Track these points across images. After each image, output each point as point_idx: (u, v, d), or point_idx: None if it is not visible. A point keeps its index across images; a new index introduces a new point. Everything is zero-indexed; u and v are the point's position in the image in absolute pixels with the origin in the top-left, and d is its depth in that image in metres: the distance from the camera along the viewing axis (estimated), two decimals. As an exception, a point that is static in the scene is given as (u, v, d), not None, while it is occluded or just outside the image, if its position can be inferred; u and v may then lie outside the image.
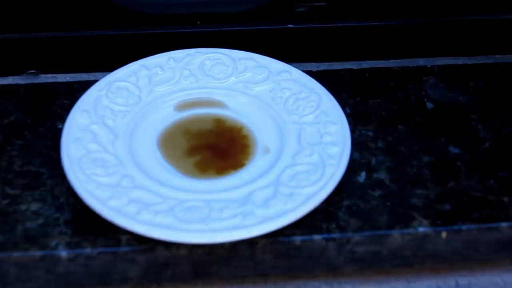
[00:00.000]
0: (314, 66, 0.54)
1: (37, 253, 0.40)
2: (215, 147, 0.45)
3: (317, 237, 0.41)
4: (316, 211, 0.41)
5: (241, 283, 0.44)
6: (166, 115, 0.48)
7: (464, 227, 0.42)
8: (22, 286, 0.41)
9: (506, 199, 0.44)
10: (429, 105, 0.50)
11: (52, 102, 0.50)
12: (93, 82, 0.48)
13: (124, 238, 0.40)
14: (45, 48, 0.53)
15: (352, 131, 0.46)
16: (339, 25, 0.54)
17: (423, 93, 0.51)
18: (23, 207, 0.42)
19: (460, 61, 0.55)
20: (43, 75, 0.53)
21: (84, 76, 0.53)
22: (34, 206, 0.42)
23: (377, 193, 0.44)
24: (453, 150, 0.47)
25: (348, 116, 0.46)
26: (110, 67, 0.49)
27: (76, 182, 0.41)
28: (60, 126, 0.47)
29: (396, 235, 0.41)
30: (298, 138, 0.45)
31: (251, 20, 0.54)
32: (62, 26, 0.53)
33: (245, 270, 0.42)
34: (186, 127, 0.47)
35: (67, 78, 0.52)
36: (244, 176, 0.43)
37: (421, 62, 0.55)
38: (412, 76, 0.53)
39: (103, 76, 0.48)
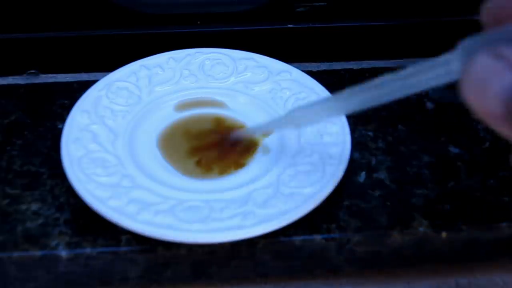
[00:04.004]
0: (314, 66, 0.54)
1: (37, 253, 0.40)
2: (215, 147, 0.45)
3: (317, 237, 0.41)
4: (316, 211, 0.41)
5: (241, 283, 0.44)
6: (166, 115, 0.48)
7: (464, 227, 0.42)
8: (22, 286, 0.41)
9: (506, 199, 0.44)
10: (429, 105, 0.50)
11: (52, 102, 0.50)
12: (93, 82, 0.48)
13: (124, 238, 0.40)
14: (45, 48, 0.53)
15: (352, 131, 0.46)
16: (339, 25, 0.54)
17: (423, 93, 0.51)
18: (23, 207, 0.42)
19: (460, 61, 0.55)
20: (43, 75, 0.53)
21: (84, 76, 0.53)
22: (34, 206, 0.42)
23: (377, 193, 0.44)
24: (453, 150, 0.47)
25: (348, 116, 0.46)
26: (110, 67, 0.49)
27: (76, 182, 0.41)
28: (60, 126, 0.47)
29: (396, 235, 0.41)
30: (298, 138, 0.45)
31: (251, 20, 0.54)
32: (62, 26, 0.53)
33: (245, 270, 0.42)
34: (186, 127, 0.47)
35: (67, 78, 0.52)
36: (244, 176, 0.43)
37: (421, 62, 0.55)
38: (412, 76, 0.53)
39: (103, 76, 0.49)
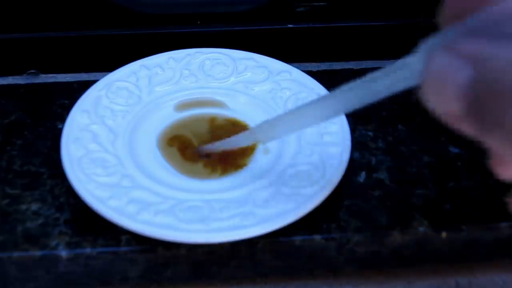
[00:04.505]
0: (314, 66, 0.54)
1: (37, 253, 0.40)
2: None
3: (317, 237, 0.41)
4: (316, 211, 0.41)
5: (241, 283, 0.44)
6: (166, 115, 0.48)
7: (464, 227, 0.42)
8: (22, 286, 0.41)
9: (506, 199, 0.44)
10: (429, 105, 0.50)
11: (52, 102, 0.50)
12: (93, 82, 0.48)
13: (124, 238, 0.40)
14: (45, 48, 0.53)
15: (352, 131, 0.46)
16: (339, 25, 0.54)
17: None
18: (23, 207, 0.42)
19: (460, 61, 0.55)
20: (43, 75, 0.53)
21: (84, 76, 0.53)
22: (34, 206, 0.42)
23: (377, 193, 0.44)
24: (453, 150, 0.47)
25: (348, 116, 0.46)
26: (110, 67, 0.49)
27: (76, 182, 0.41)
28: (60, 126, 0.47)
29: (396, 235, 0.41)
30: (298, 138, 0.45)
31: (251, 20, 0.54)
32: (62, 26, 0.53)
33: (245, 270, 0.42)
34: (186, 127, 0.47)
35: (67, 78, 0.52)
36: (244, 176, 0.43)
37: (421, 62, 0.55)
38: (412, 76, 0.53)
39: (103, 76, 0.49)
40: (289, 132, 0.41)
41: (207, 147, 0.45)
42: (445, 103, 0.25)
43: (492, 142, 0.25)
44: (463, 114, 0.24)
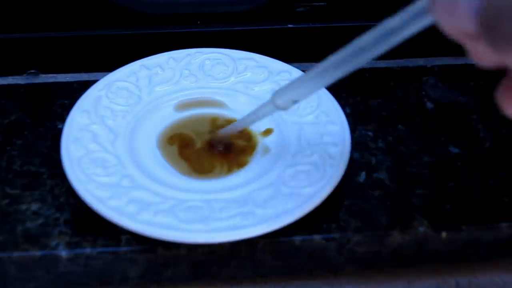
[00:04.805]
0: (314, 66, 0.54)
1: (37, 253, 0.40)
2: (215, 147, 0.45)
3: (317, 237, 0.41)
4: (316, 211, 0.41)
5: (241, 283, 0.44)
6: (166, 115, 0.48)
7: (464, 227, 0.42)
8: (22, 286, 0.41)
9: (506, 199, 0.44)
10: (429, 105, 0.50)
11: (52, 102, 0.50)
12: (93, 82, 0.48)
13: (124, 238, 0.40)
14: (45, 48, 0.53)
15: (352, 131, 0.46)
16: (339, 25, 0.54)
17: (423, 93, 0.51)
18: (23, 207, 0.42)
19: (460, 61, 0.55)
20: (43, 75, 0.53)
21: (84, 76, 0.53)
22: (34, 206, 0.42)
23: (377, 193, 0.44)
24: (453, 150, 0.47)
25: (348, 116, 0.46)
26: (110, 67, 0.49)
27: (76, 182, 0.41)
28: (60, 126, 0.47)
29: (396, 235, 0.41)
30: (298, 138, 0.45)
31: (251, 20, 0.54)
32: (62, 26, 0.53)
33: (245, 271, 0.42)
34: (186, 127, 0.47)
35: (67, 78, 0.52)
36: (244, 176, 0.43)
37: (421, 62, 0.55)
38: (412, 76, 0.53)
39: (103, 76, 0.49)
40: (310, 93, 0.39)
41: (225, 129, 0.45)
42: (457, 23, 0.25)
43: (507, 59, 0.25)
44: (476, 32, 0.25)
